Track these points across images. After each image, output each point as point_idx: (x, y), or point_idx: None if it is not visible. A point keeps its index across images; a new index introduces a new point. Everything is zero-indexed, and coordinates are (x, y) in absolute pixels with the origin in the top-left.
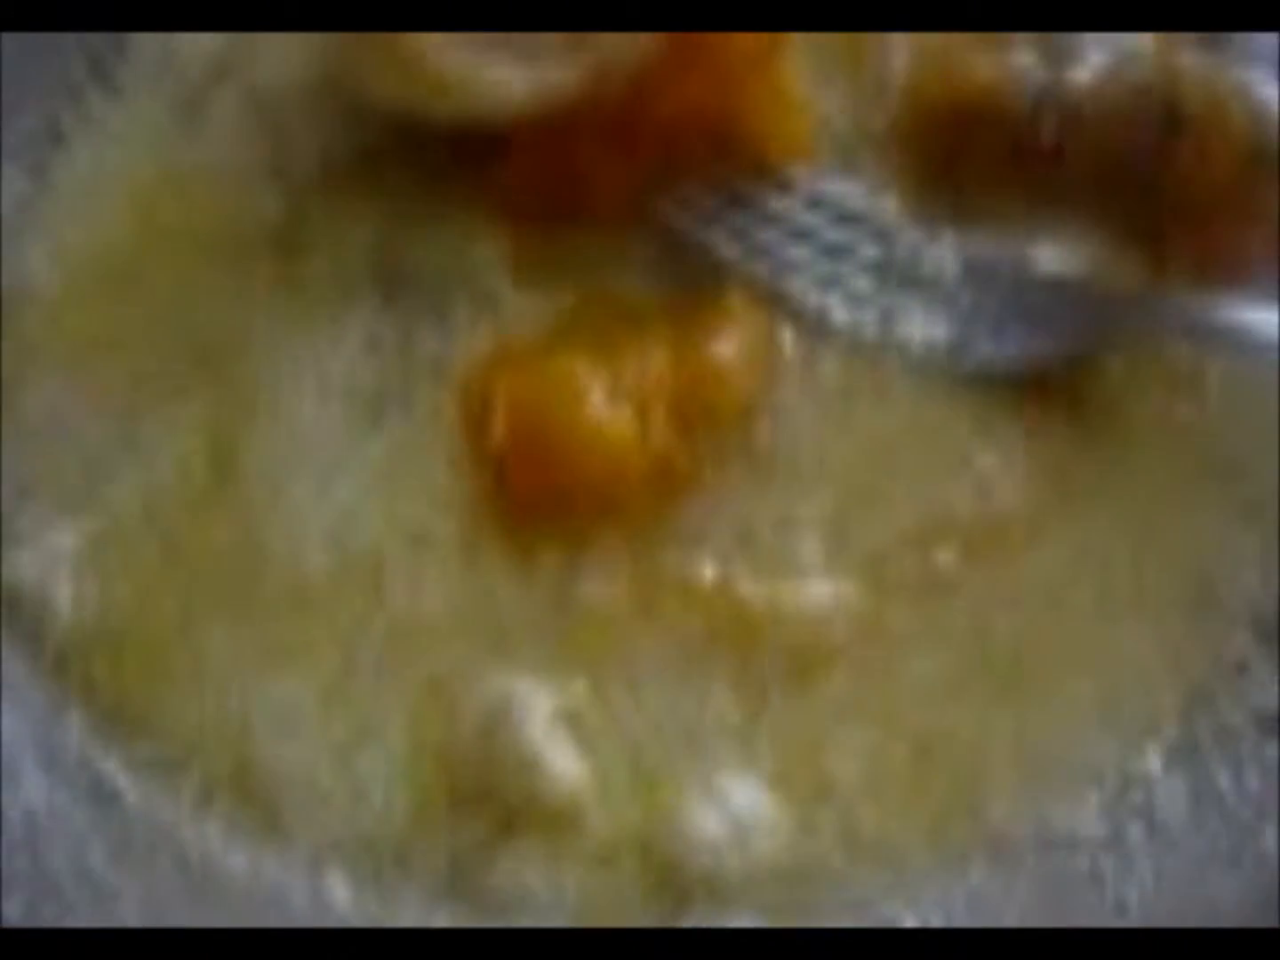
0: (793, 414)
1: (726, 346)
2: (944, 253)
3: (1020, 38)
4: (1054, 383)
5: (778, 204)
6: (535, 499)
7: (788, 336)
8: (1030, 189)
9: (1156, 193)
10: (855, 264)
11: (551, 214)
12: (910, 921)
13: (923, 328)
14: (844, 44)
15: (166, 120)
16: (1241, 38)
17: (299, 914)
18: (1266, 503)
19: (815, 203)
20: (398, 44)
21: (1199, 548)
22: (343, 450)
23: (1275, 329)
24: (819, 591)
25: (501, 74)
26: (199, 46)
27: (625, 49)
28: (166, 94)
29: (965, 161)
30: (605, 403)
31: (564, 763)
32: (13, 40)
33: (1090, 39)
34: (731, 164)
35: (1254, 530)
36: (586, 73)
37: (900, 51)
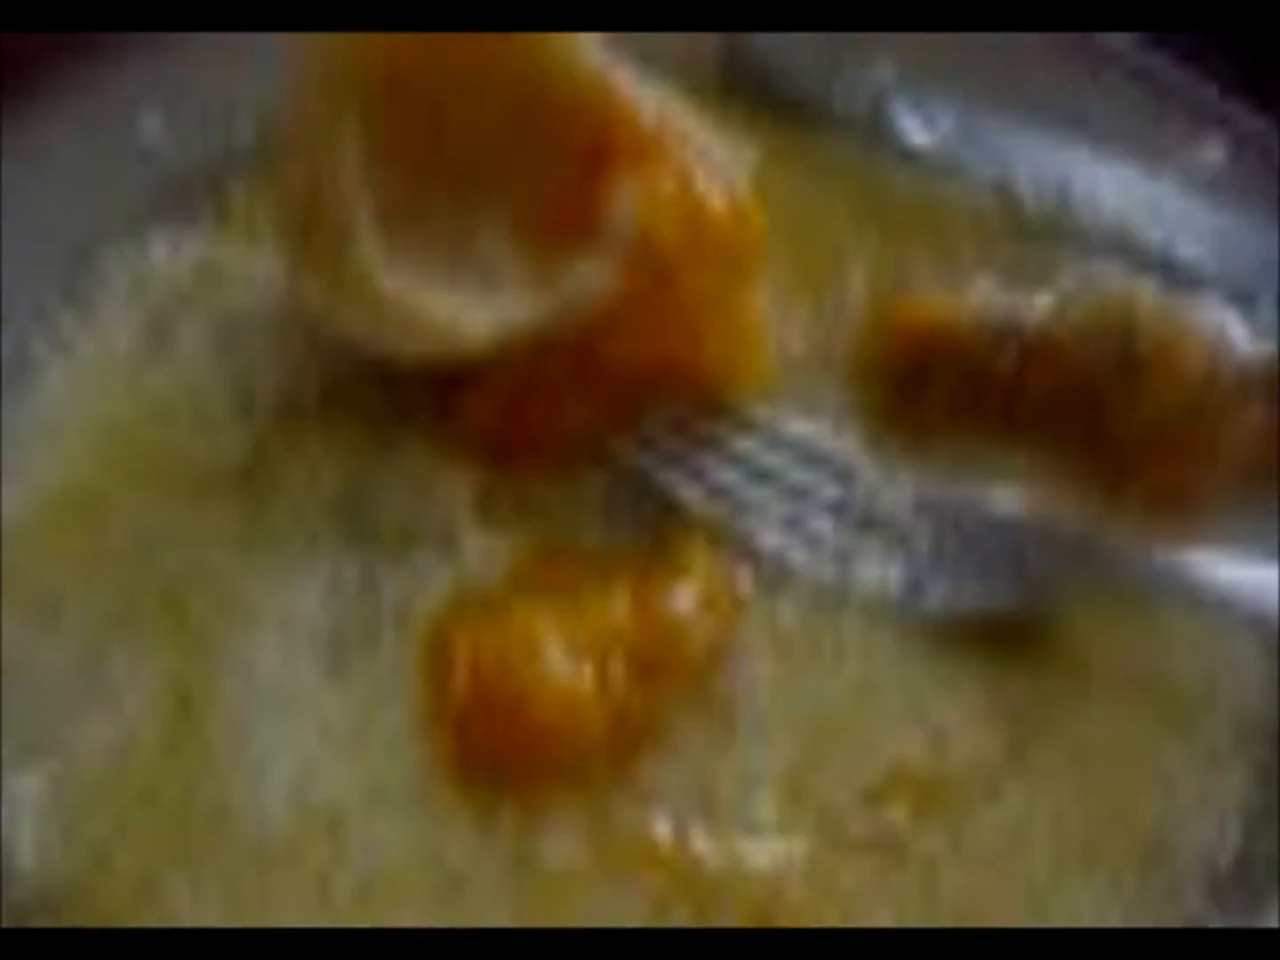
0: (751, 663)
1: (686, 598)
2: (902, 493)
3: (981, 268)
4: (1010, 626)
5: (739, 444)
6: (494, 755)
7: (747, 580)
8: (988, 422)
9: (1112, 428)
10: (815, 505)
11: (513, 452)
12: None
13: (880, 570)
14: (805, 273)
15: (135, 346)
16: (1202, 271)
17: None
18: (1222, 751)
19: (777, 443)
20: (357, 281)
21: (1154, 800)
22: (305, 699)
23: (1227, 579)
24: (774, 849)
25: (462, 311)
26: (168, 270)
27: (587, 285)
28: (136, 319)
29: (924, 393)
30: (564, 659)
31: None
32: None
33: (1051, 269)
34: (693, 402)
35: (1209, 780)
36: (548, 310)
37: (860, 280)
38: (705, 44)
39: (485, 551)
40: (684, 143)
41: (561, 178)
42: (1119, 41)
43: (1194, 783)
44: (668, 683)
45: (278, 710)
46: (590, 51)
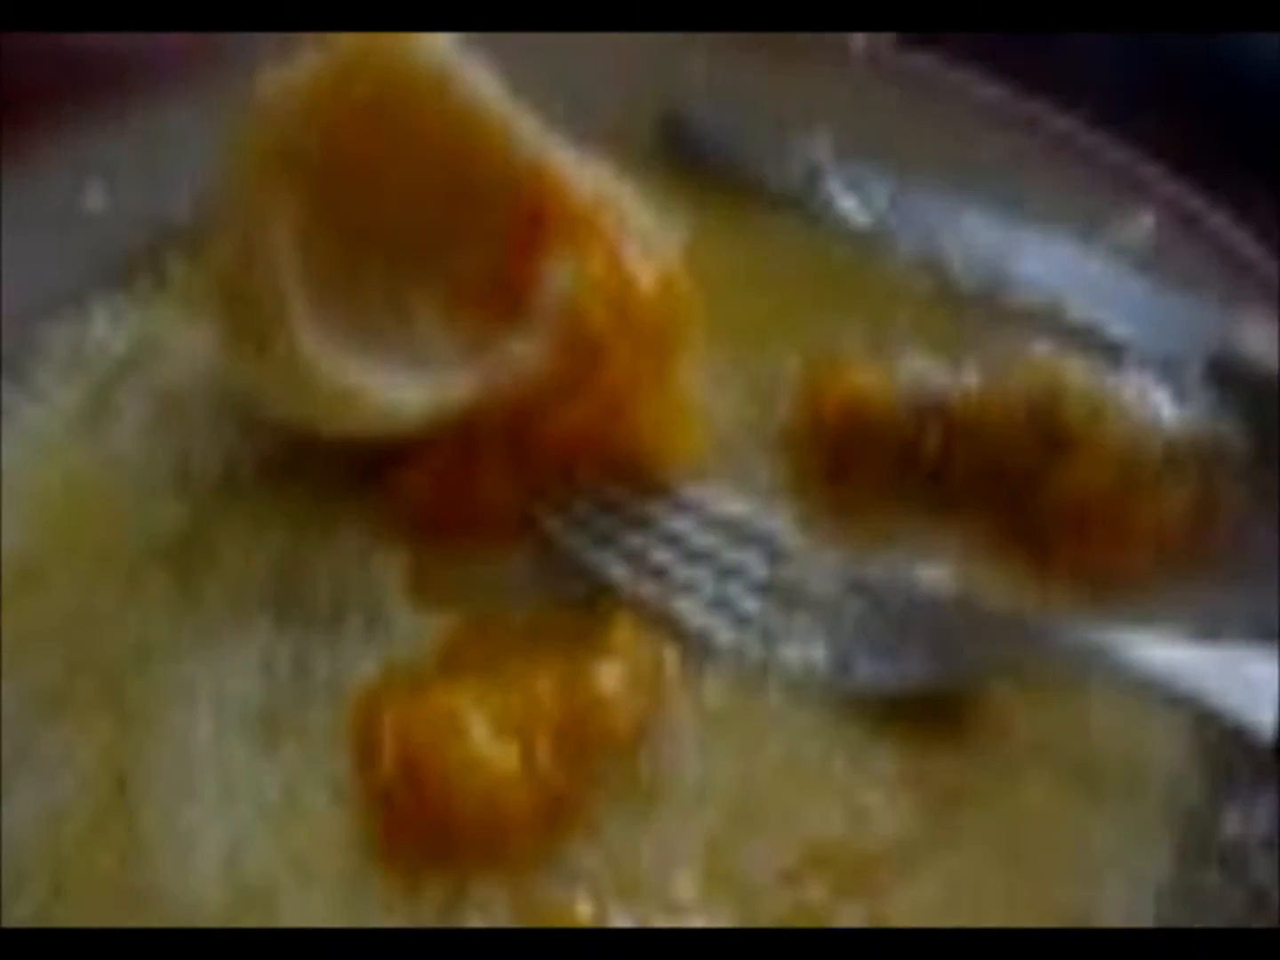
0: (675, 742)
1: (612, 677)
2: (829, 570)
3: (913, 343)
4: (936, 705)
5: (670, 524)
6: (420, 834)
7: (673, 659)
8: (916, 498)
9: (1038, 505)
10: (745, 585)
11: (445, 529)
12: None
13: (806, 649)
14: (738, 348)
15: (73, 418)
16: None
17: None
18: (1149, 825)
19: (708, 523)
20: (288, 360)
21: (1076, 878)
22: (236, 776)
23: (1153, 658)
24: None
25: (394, 389)
26: (107, 342)
27: (518, 364)
28: (74, 390)
29: (853, 470)
30: (490, 738)
31: None
32: None
33: (982, 344)
34: (624, 481)
35: (1132, 857)
36: (480, 388)
37: (792, 355)
38: (641, 118)
39: (415, 629)
40: (616, 220)
41: (495, 255)
42: (1053, 118)
43: (1117, 860)
44: (593, 762)
45: (209, 786)
46: (525, 127)
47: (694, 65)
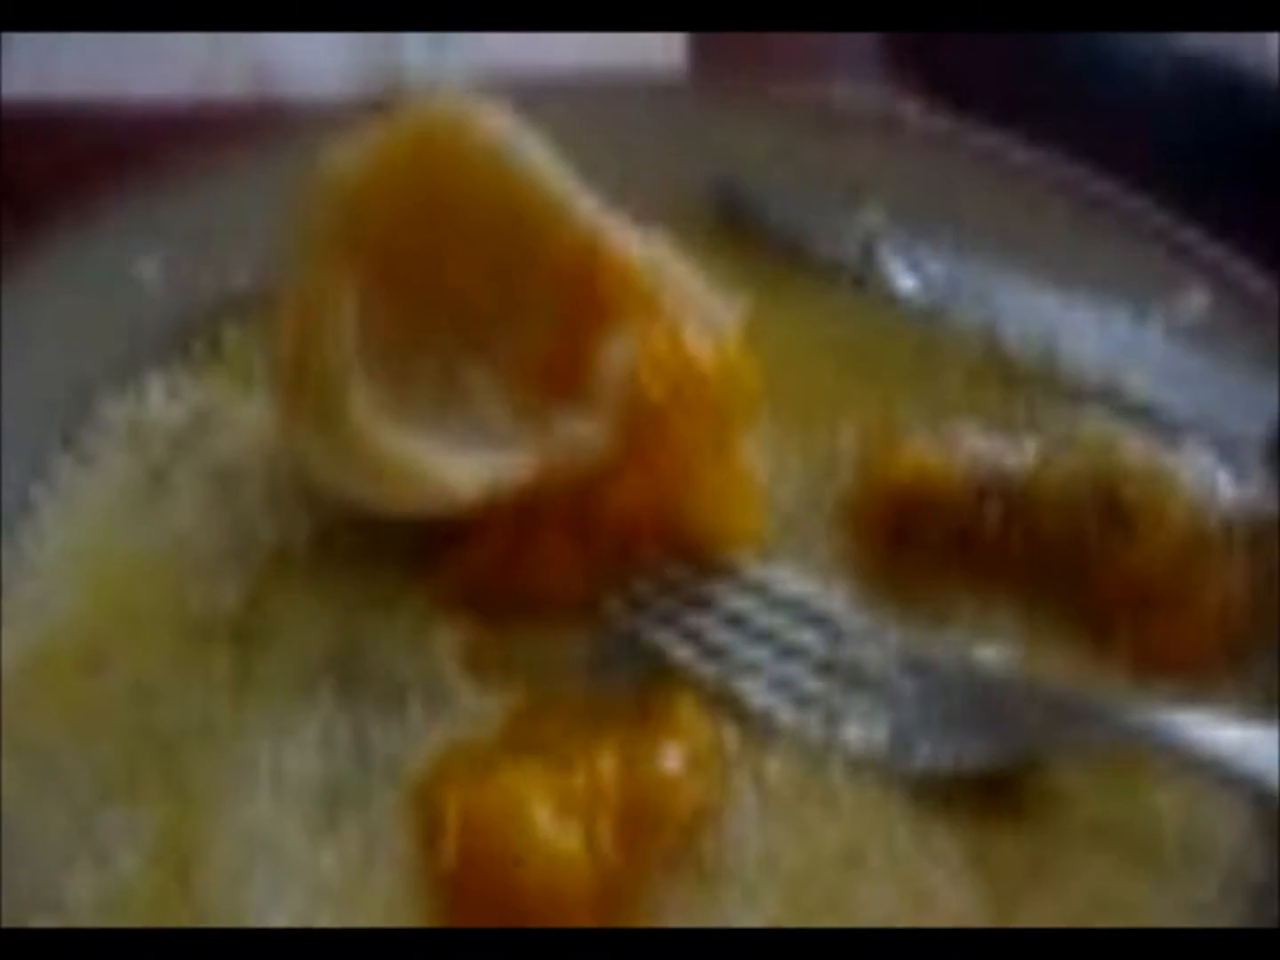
0: (737, 822)
1: (674, 758)
2: (889, 649)
3: (969, 415)
4: (997, 785)
5: (731, 604)
6: (484, 917)
7: (735, 740)
8: (974, 577)
9: (1098, 584)
10: (807, 665)
11: (504, 607)
12: None
13: (866, 729)
14: (795, 422)
15: (132, 493)
16: (1186, 419)
17: None
18: (1212, 905)
19: (772, 603)
20: (348, 438)
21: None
22: (297, 856)
23: (1214, 737)
24: None
25: (453, 467)
26: (165, 415)
27: (577, 441)
28: (132, 465)
29: (912, 545)
30: (552, 820)
31: None
32: None
33: (1038, 417)
34: (685, 560)
35: None
36: (539, 466)
37: (850, 429)
38: (696, 191)
39: (476, 708)
40: (675, 295)
41: (553, 331)
42: (1104, 187)
43: None
44: (654, 844)
45: (270, 868)
46: (583, 203)
47: (749, 137)
